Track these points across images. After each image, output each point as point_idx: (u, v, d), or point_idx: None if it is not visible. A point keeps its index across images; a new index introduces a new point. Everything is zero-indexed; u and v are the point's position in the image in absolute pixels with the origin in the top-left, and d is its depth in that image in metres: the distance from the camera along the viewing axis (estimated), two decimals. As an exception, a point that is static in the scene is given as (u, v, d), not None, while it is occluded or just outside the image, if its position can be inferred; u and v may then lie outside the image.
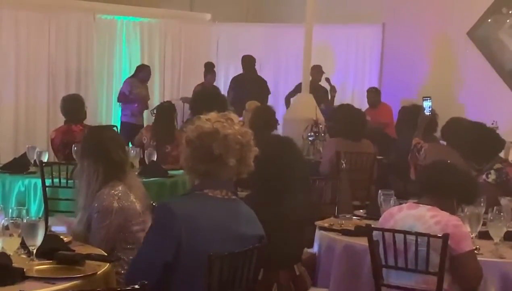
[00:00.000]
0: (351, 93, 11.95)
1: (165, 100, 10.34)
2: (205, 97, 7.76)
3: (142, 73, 10.70)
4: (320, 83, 10.93)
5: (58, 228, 4.31)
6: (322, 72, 10.96)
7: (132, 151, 6.29)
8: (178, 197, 3.61)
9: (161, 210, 3.08)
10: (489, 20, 10.65)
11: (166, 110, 7.39)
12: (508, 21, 10.50)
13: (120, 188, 3.90)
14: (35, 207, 5.86)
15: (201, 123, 3.09)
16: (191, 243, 2.94)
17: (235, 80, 11.15)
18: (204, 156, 3.05)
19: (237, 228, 3.08)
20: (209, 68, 11.22)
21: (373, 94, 10.63)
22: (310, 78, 9.99)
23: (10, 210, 3.49)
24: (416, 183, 3.93)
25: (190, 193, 3.13)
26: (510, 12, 10.48)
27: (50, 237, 3.48)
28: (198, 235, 2.96)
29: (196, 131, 3.08)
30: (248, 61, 11.13)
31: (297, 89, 10.30)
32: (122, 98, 10.63)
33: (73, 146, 6.06)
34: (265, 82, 11.08)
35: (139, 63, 11.16)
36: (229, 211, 3.10)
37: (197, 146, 3.06)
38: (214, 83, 11.33)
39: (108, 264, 3.33)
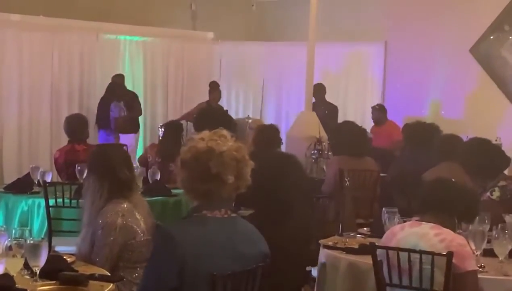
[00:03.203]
0: (354, 111, 11.94)
1: (169, 119, 10.39)
2: (211, 116, 7.78)
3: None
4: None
5: (62, 248, 4.31)
6: (324, 90, 10.93)
7: (136, 169, 6.29)
8: (177, 222, 3.57)
9: (161, 236, 3.02)
10: (491, 37, 10.67)
11: (174, 129, 7.43)
12: (510, 38, 10.52)
13: (125, 205, 3.91)
14: (38, 227, 5.85)
15: (195, 143, 3.06)
16: (194, 267, 2.90)
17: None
18: (201, 176, 3.01)
19: (238, 247, 3.05)
20: (214, 87, 11.23)
21: (378, 111, 10.56)
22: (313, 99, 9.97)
23: (13, 231, 3.49)
24: (418, 200, 3.90)
25: (189, 216, 3.09)
26: (512, 29, 10.50)
27: (54, 258, 3.47)
28: (201, 259, 2.92)
29: (190, 152, 3.05)
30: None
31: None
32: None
33: (76, 165, 6.07)
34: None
35: (141, 83, 11.18)
36: (230, 230, 3.06)
37: (194, 167, 3.03)
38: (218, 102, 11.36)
39: (112, 284, 3.32)
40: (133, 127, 10.76)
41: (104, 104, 10.46)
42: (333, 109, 10.82)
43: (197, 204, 3.07)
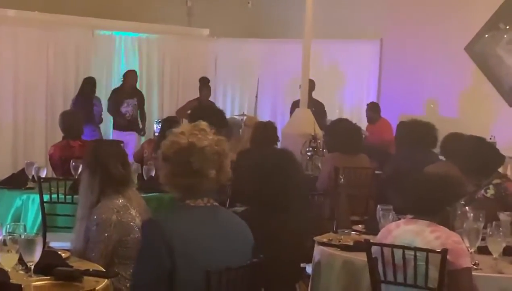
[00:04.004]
0: (350, 109, 11.95)
1: (164, 115, 10.38)
2: (205, 113, 7.76)
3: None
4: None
5: (56, 244, 4.30)
6: (312, 87, 10.85)
7: (131, 165, 6.28)
8: (163, 212, 3.63)
9: (148, 226, 3.06)
10: (487, 36, 10.68)
11: (171, 125, 7.41)
12: (505, 36, 10.54)
13: (119, 201, 3.92)
14: (33, 222, 5.84)
15: (176, 139, 3.09)
16: (183, 251, 2.93)
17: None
18: (184, 171, 3.05)
19: (224, 232, 3.09)
20: (204, 83, 11.19)
21: (370, 110, 10.63)
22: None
23: (8, 226, 3.48)
24: (407, 201, 3.92)
25: (173, 206, 3.16)
26: (508, 27, 10.51)
27: (48, 253, 3.47)
28: (188, 244, 2.96)
29: (172, 147, 3.08)
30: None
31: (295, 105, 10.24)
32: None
33: (71, 161, 6.06)
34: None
35: (137, 79, 11.15)
36: (213, 216, 3.11)
37: (176, 162, 3.06)
38: (212, 99, 11.33)
39: (106, 280, 3.32)
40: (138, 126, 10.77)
41: (85, 100, 10.35)
42: (320, 106, 10.76)
43: (180, 196, 3.11)
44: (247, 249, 3.16)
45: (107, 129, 10.96)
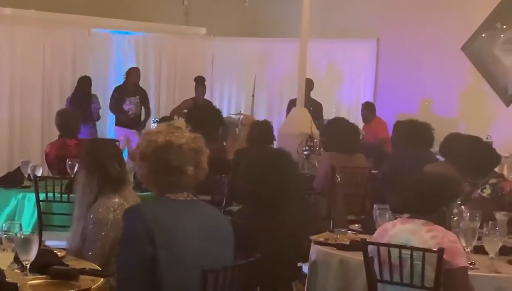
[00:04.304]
0: (346, 108, 11.95)
1: (161, 114, 10.37)
2: (202, 113, 7.75)
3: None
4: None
5: (52, 243, 4.29)
6: (311, 87, 10.83)
7: (127, 164, 6.27)
8: (142, 203, 3.66)
9: (129, 214, 3.12)
10: (483, 35, 10.69)
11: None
12: (502, 36, 10.55)
13: (116, 200, 3.92)
14: (29, 221, 5.83)
15: (154, 137, 3.17)
16: (163, 241, 2.97)
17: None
18: (162, 169, 3.13)
19: (205, 223, 3.14)
20: (200, 82, 11.18)
21: (365, 109, 10.64)
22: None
23: (3, 225, 3.47)
24: (404, 201, 3.93)
25: (154, 199, 3.25)
26: (504, 27, 10.52)
27: (44, 252, 3.47)
28: (169, 234, 3.00)
29: (150, 146, 3.16)
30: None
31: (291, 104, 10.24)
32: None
33: (67, 160, 6.05)
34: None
35: (140, 76, 11.13)
36: (194, 210, 3.17)
37: (154, 160, 3.14)
38: (209, 98, 11.32)
39: (102, 278, 3.32)
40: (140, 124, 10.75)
41: (81, 97, 10.32)
42: (318, 106, 10.76)
43: (160, 192, 3.18)
44: (228, 241, 3.21)
45: (104, 127, 10.96)
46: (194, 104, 10.26)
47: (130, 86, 10.65)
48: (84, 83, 10.34)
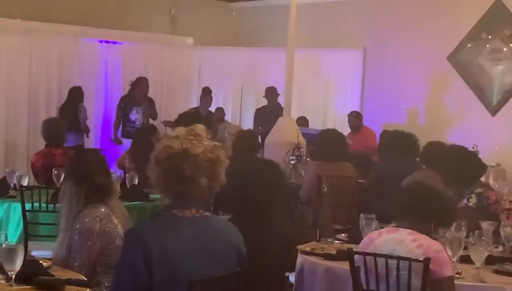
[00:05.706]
0: (333, 117, 11.97)
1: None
2: (189, 119, 7.74)
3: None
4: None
5: (38, 253, 4.27)
6: (277, 94, 10.92)
7: (114, 174, 6.26)
8: (147, 221, 3.55)
9: (129, 236, 2.99)
10: (469, 45, 10.74)
11: (142, 133, 7.38)
12: (488, 46, 10.60)
13: (102, 210, 3.90)
14: (15, 231, 5.80)
15: (170, 143, 3.00)
16: (162, 266, 2.87)
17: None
18: (174, 177, 2.98)
19: (210, 245, 3.02)
20: (207, 93, 11.20)
21: (354, 118, 10.65)
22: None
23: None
24: (395, 206, 3.92)
25: (159, 215, 3.08)
26: (490, 37, 10.57)
27: (30, 262, 3.44)
28: (169, 258, 2.90)
29: (165, 152, 3.00)
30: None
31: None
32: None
33: (53, 169, 6.03)
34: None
35: (121, 87, 11.13)
36: (201, 228, 3.03)
37: (167, 167, 2.99)
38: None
39: (88, 289, 3.30)
40: None
41: (70, 107, 10.31)
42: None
43: (169, 202, 3.05)
44: (232, 258, 3.09)
45: (92, 138, 10.93)
46: (183, 112, 10.23)
47: (139, 96, 10.60)
48: (73, 93, 10.32)
